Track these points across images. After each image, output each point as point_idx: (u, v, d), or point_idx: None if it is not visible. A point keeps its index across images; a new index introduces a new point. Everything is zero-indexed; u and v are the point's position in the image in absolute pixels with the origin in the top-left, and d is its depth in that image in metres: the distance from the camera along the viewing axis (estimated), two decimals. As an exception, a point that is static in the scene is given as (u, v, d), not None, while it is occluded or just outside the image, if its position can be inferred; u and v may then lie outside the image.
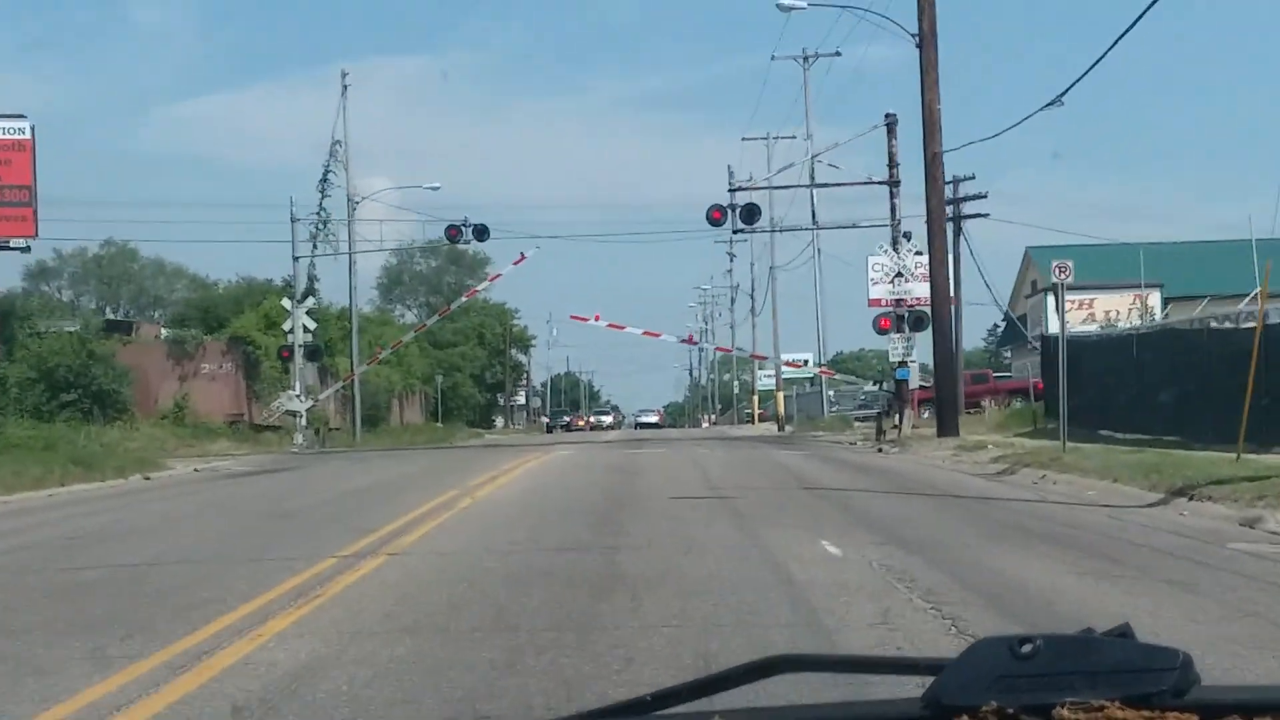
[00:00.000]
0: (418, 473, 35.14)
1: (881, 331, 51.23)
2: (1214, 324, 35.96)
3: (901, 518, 20.50)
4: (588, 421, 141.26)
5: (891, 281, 51.32)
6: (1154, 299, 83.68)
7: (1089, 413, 43.51)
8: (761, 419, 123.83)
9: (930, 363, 59.11)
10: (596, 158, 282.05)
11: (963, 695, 2.09)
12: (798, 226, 55.93)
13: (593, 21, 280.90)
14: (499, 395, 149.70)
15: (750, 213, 51.81)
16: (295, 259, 66.43)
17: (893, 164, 52.03)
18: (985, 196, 69.85)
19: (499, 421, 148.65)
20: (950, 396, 47.17)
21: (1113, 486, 24.67)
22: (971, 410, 73.62)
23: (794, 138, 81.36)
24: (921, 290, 53.21)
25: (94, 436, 50.95)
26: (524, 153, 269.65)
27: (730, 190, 51.92)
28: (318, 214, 76.74)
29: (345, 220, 75.11)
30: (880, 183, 52.05)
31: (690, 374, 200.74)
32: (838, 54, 78.38)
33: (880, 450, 46.09)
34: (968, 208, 72.22)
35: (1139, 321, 78.37)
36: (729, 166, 51.79)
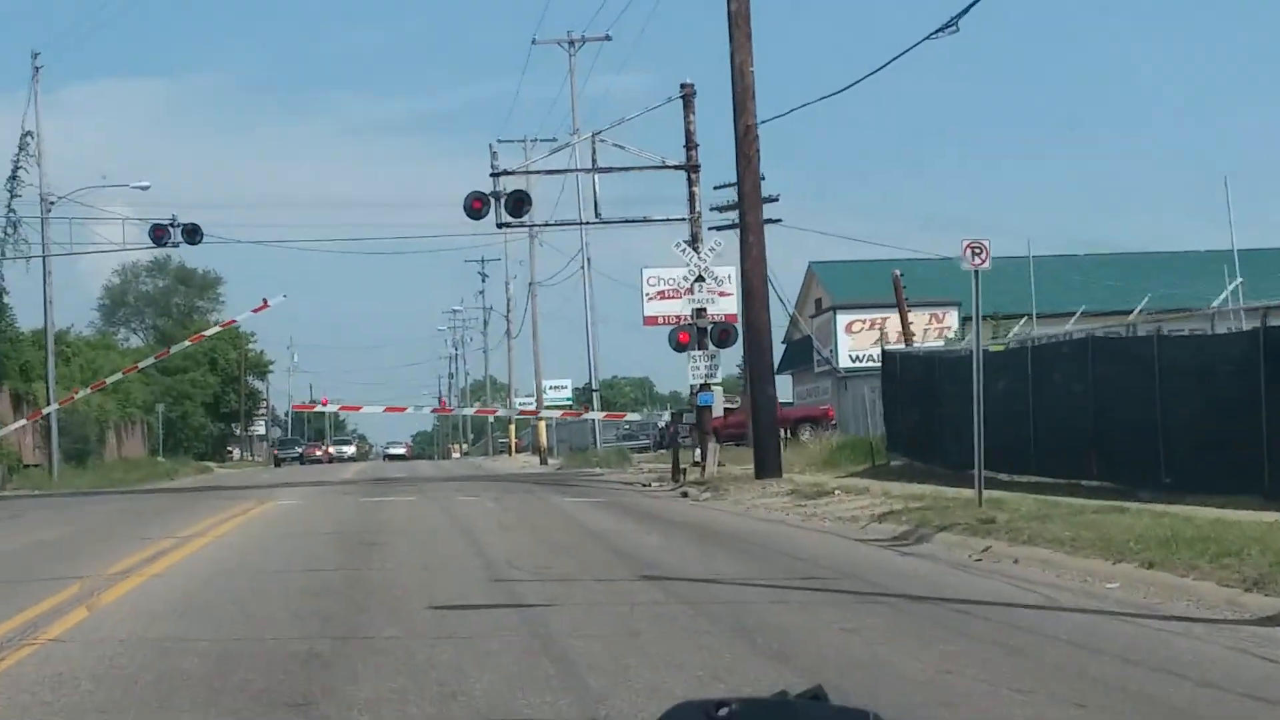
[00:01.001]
0: (58, 540, 24.06)
1: (680, 347, 41.19)
2: (1166, 331, 26.47)
3: (904, 676, 10.40)
4: (326, 451, 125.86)
5: (691, 288, 41.31)
6: (951, 318, 75.80)
7: (953, 447, 34.03)
8: (518, 448, 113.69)
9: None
10: (345, 178, 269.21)
11: None
12: (575, 221, 45.58)
13: (336, 47, 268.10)
14: (235, 425, 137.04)
15: (518, 202, 41.36)
16: (-35, 263, 54.46)
17: (691, 145, 42.06)
18: (777, 199, 60.00)
19: (236, 453, 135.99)
20: (770, 426, 37.36)
21: (1150, 576, 14.90)
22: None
23: (554, 139, 70.68)
24: (725, 304, 43.66)
25: None
26: (264, 174, 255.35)
27: (493, 175, 41.52)
28: (6, 216, 64.86)
29: (41, 227, 63.33)
30: (676, 167, 42.03)
31: (440, 402, 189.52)
32: (608, 38, 68.37)
33: (685, 495, 36.13)
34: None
35: (944, 340, 70.63)
36: (491, 146, 40.97)
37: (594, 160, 41.54)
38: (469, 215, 41.59)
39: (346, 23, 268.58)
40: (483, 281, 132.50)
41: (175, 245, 53.48)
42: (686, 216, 42.36)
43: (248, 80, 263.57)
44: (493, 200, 41.43)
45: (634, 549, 20.36)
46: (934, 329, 76.53)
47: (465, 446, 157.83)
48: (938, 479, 32.39)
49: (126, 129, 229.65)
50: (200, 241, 53.56)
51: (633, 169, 41.93)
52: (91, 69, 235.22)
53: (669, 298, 73.65)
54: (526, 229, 43.88)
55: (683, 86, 42.09)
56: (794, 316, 71.04)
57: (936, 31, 24.92)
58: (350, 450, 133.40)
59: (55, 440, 64.01)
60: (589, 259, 66.79)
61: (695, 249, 41.20)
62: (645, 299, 73.93)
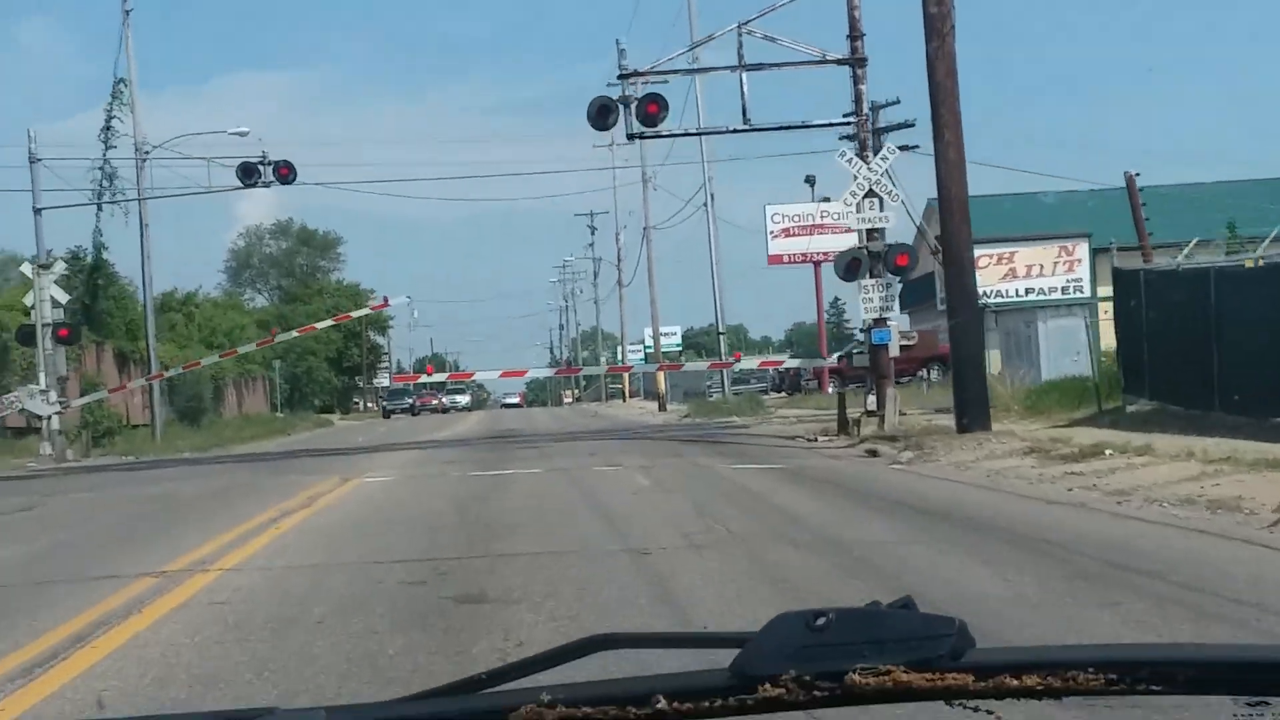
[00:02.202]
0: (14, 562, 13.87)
1: (848, 276, 30.62)
2: None
3: None
4: (440, 402, 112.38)
5: (859, 205, 30.58)
6: (1082, 250, 65.62)
7: (1233, 384, 23.48)
8: (631, 394, 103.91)
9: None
10: (459, 158, 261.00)
11: (765, 665, 1.93)
12: (719, 128, 34.98)
13: (444, 37, 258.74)
14: (359, 378, 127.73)
15: (652, 106, 30.92)
16: (36, 211, 44.45)
17: (855, 34, 31.39)
18: (914, 125, 48.65)
19: (361, 405, 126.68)
20: (977, 366, 26.81)
21: None
22: (905, 381, 53.71)
23: (666, 79, 59.55)
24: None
25: None
26: (383, 156, 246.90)
27: (621, 77, 31.22)
28: (101, 169, 55.33)
29: (135, 179, 53.73)
30: (838, 61, 31.31)
31: (551, 352, 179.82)
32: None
33: (875, 454, 25.69)
34: (893, 139, 52.43)
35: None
36: (618, 42, 30.49)
37: (740, 56, 30.92)
38: (594, 126, 31.24)
39: (450, 14, 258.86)
40: (592, 234, 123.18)
41: (267, 185, 43.50)
42: (852, 119, 31.73)
43: (362, 71, 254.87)
44: (620, 107, 31.07)
45: (941, 590, 9.92)
46: (1063, 262, 67.09)
47: (578, 393, 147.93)
48: (1218, 429, 21.96)
49: (255, 119, 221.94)
50: (293, 180, 43.63)
51: (786, 65, 31.21)
52: (227, 64, 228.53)
53: (794, 234, 63.20)
54: (666, 136, 33.23)
55: (843, -39, 31.44)
56: (925, 237, 60.05)
57: None
58: (464, 400, 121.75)
59: (156, 403, 54.45)
60: (712, 195, 56.11)
61: (864, 156, 30.59)
62: (769, 236, 63.41)
